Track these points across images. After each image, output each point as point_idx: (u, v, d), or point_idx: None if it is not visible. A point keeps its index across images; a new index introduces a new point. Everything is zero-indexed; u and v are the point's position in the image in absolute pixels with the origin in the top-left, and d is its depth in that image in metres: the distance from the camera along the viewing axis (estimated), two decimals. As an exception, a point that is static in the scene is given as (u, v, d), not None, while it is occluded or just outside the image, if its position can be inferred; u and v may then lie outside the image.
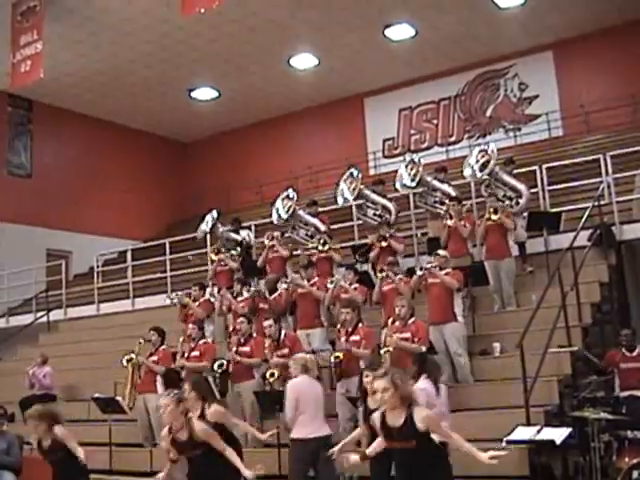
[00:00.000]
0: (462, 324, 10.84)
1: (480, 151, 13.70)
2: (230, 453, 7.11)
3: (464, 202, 13.51)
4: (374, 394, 5.98)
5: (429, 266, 11.02)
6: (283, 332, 11.08)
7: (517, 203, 12.97)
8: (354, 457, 6.73)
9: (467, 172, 13.74)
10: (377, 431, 6.21)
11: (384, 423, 6.01)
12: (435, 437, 5.99)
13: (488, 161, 13.30)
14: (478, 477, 8.24)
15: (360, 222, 15.18)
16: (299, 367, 9.05)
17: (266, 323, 11.03)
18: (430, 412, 6.03)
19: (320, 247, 13.40)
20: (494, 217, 12.21)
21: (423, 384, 8.01)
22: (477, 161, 13.50)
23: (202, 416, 7.66)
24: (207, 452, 7.03)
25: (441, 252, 11.36)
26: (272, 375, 10.65)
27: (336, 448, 7.67)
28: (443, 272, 10.90)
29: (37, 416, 7.84)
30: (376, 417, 6.11)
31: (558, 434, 8.21)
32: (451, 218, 12.77)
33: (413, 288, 11.37)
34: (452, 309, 10.73)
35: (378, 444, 6.35)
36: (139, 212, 26.86)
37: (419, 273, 11.06)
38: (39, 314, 20.31)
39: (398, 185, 14.34)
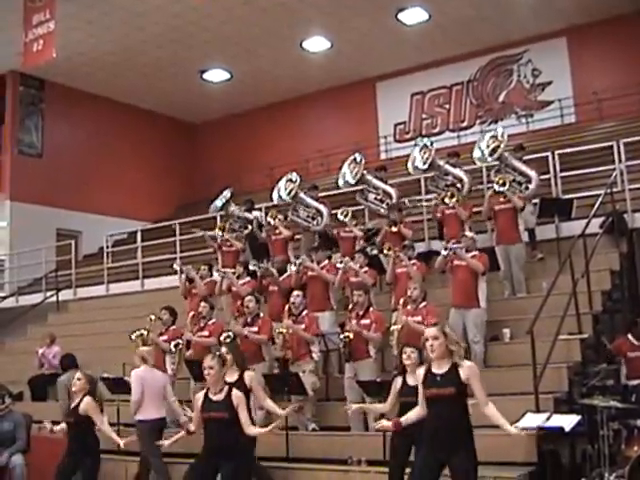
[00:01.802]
0: (484, 310, 10.80)
1: (491, 136, 13.66)
2: (252, 430, 7.42)
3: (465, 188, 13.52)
4: (425, 342, 6.25)
5: (455, 246, 10.95)
6: (305, 311, 11.04)
7: (526, 189, 12.92)
8: (387, 423, 6.86)
9: (477, 156, 13.71)
10: (419, 385, 6.41)
11: (428, 372, 6.28)
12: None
13: (498, 146, 13.26)
14: (486, 463, 8.24)
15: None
16: (139, 358, 10.11)
17: (295, 292, 11.07)
18: (474, 365, 6.28)
19: (341, 218, 13.52)
20: (499, 189, 12.19)
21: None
22: (487, 146, 13.46)
23: (240, 379, 7.92)
24: (233, 418, 7.22)
25: (468, 233, 11.34)
26: (280, 334, 10.71)
27: (365, 405, 8.23)
28: (469, 254, 10.88)
29: (85, 377, 8.77)
30: (421, 370, 6.40)
31: (567, 421, 8.21)
32: (452, 197, 12.75)
33: (437, 269, 11.40)
34: (476, 294, 10.70)
35: (415, 413, 6.49)
36: (149, 193, 26.87)
37: (444, 253, 10.99)
38: (48, 294, 20.36)
39: (410, 168, 14.31)
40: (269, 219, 14.33)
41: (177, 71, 24.30)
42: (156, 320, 11.96)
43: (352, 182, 14.44)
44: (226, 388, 7.34)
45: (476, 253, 10.99)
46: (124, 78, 24.51)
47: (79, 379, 8.71)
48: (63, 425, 8.96)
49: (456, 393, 6.08)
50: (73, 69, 23.15)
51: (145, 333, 11.66)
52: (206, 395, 7.39)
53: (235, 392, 7.33)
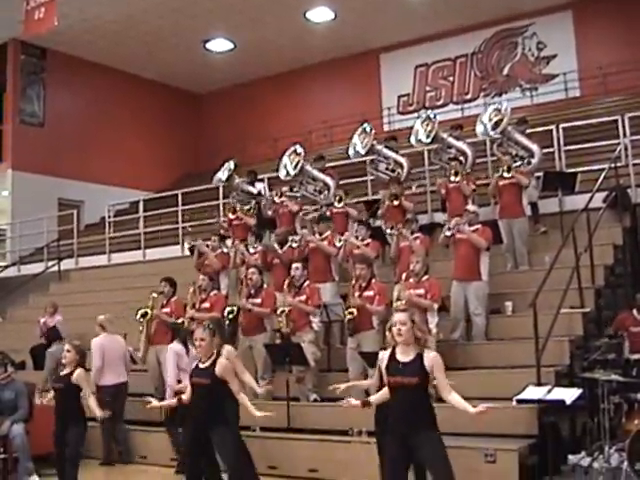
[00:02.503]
0: (486, 283, 10.78)
1: (494, 110, 13.61)
2: (242, 397, 7.45)
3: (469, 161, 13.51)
4: (393, 327, 6.19)
5: (457, 223, 10.91)
6: (307, 282, 11.05)
7: (529, 163, 12.90)
8: (355, 402, 6.86)
9: (479, 130, 13.67)
10: (382, 370, 6.34)
11: (392, 358, 6.23)
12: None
13: (501, 120, 13.22)
14: (488, 435, 8.28)
15: (373, 178, 15.16)
16: (98, 327, 11.00)
17: (295, 265, 11.06)
18: (438, 355, 6.22)
19: (336, 204, 13.42)
20: (506, 174, 12.18)
21: (175, 346, 10.30)
22: (490, 119, 13.42)
23: (217, 354, 7.80)
24: (217, 386, 7.32)
25: (470, 207, 11.30)
26: (283, 312, 10.71)
27: (343, 386, 7.90)
28: (472, 228, 10.86)
29: (74, 347, 8.79)
30: (385, 353, 6.33)
31: (569, 394, 8.23)
32: (456, 175, 12.79)
33: (440, 244, 11.38)
34: (478, 267, 10.68)
35: (383, 394, 6.47)
36: (152, 163, 26.82)
37: (447, 234, 10.98)
38: (50, 263, 20.39)
39: (413, 140, 14.26)
40: (275, 198, 14.31)
41: (179, 40, 24.16)
42: (158, 296, 12.00)
43: (362, 152, 14.40)
44: (213, 357, 7.47)
45: (479, 227, 10.96)
46: (126, 47, 24.37)
47: (68, 351, 8.76)
48: (51, 394, 9.08)
49: (419, 382, 6.06)
50: (75, 37, 23.01)
51: (149, 311, 11.71)
52: (197, 364, 7.59)
53: (220, 360, 7.43)
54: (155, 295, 11.96)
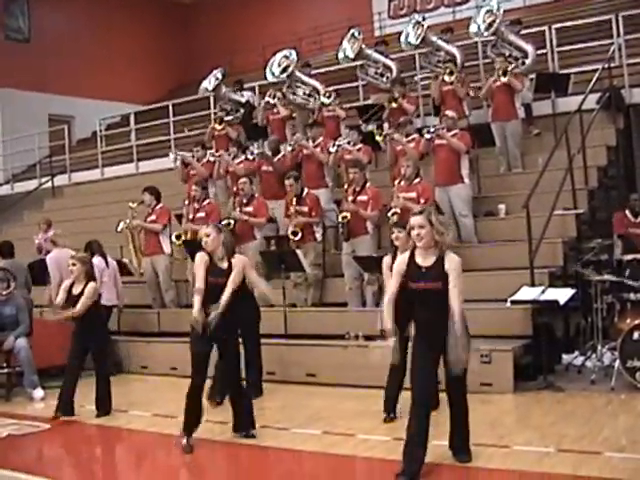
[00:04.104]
0: (468, 185, 10.84)
1: (487, 11, 13.40)
2: (259, 282, 7.40)
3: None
4: (411, 230, 5.92)
5: (437, 128, 10.89)
6: (305, 190, 11.06)
7: (523, 63, 12.77)
8: (381, 343, 6.77)
9: (473, 29, 13.47)
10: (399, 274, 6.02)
11: (412, 262, 5.95)
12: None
13: (494, 21, 13.04)
14: (483, 336, 8.37)
15: (365, 83, 15.03)
16: (50, 244, 11.48)
17: (287, 182, 11.02)
18: (458, 258, 5.91)
19: (325, 100, 13.30)
20: (503, 79, 12.07)
21: (96, 260, 10.31)
22: (484, 21, 13.23)
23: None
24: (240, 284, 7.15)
25: (449, 113, 11.22)
26: (295, 234, 10.74)
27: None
28: (451, 133, 10.81)
29: (79, 259, 8.61)
30: (402, 258, 6.04)
31: (562, 294, 8.34)
32: (451, 74, 12.64)
33: (422, 152, 11.28)
34: (459, 171, 10.73)
35: (390, 307, 6.06)
36: (142, 75, 26.50)
37: (427, 137, 10.92)
38: (43, 180, 20.30)
39: (403, 43, 14.09)
40: (268, 98, 14.18)
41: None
42: (138, 205, 11.98)
43: (352, 56, 14.26)
44: (227, 257, 7.17)
45: (457, 131, 10.94)
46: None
47: (74, 264, 8.51)
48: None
49: (443, 287, 5.79)
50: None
51: (128, 222, 11.73)
52: (212, 261, 7.19)
53: (237, 257, 7.23)
54: (133, 205, 11.95)
